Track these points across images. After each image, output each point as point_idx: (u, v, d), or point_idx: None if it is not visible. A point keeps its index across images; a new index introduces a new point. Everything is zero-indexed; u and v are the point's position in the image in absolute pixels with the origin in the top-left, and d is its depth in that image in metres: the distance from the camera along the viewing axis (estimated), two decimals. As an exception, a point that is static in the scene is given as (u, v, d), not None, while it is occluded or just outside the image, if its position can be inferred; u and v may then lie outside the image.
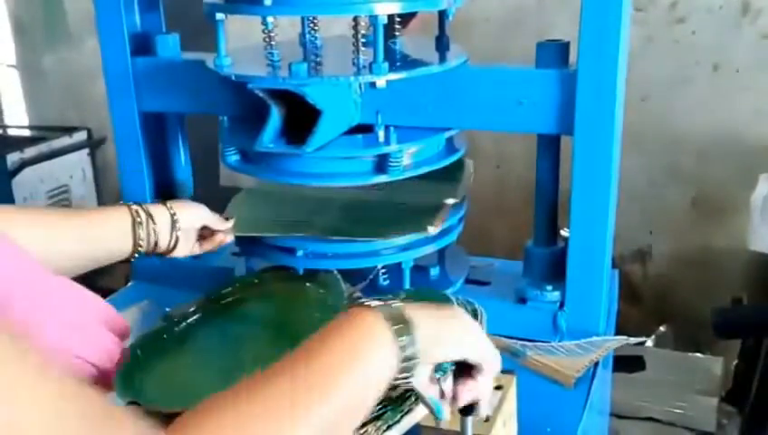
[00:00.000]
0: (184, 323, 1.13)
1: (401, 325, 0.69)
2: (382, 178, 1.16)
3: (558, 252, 1.23)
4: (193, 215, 1.22)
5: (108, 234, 1.11)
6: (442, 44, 1.25)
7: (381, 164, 1.16)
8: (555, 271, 1.22)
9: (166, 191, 1.48)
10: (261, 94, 1.09)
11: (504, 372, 0.90)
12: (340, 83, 1.11)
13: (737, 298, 2.21)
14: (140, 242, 1.12)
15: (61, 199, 3.16)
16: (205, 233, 1.25)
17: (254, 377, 0.64)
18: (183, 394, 0.93)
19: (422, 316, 0.71)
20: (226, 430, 0.59)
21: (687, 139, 2.45)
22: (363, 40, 1.13)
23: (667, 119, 2.45)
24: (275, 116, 1.11)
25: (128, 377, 0.97)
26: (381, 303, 0.71)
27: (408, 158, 1.18)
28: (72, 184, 3.22)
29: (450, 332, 0.75)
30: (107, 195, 3.30)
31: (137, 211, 1.13)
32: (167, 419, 0.90)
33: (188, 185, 1.50)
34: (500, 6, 2.56)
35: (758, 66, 2.32)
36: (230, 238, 1.27)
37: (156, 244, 1.15)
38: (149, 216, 1.13)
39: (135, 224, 1.11)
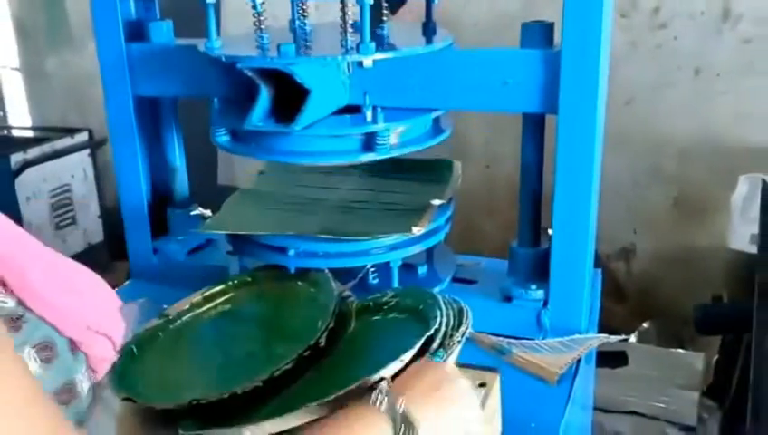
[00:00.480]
0: (179, 321, 1.12)
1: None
2: (370, 157, 1.15)
3: (542, 252, 1.23)
4: None
5: None
6: (429, 29, 1.24)
7: (369, 142, 1.15)
8: (539, 271, 1.22)
9: (162, 191, 1.48)
10: (250, 74, 1.08)
11: (487, 369, 0.90)
12: (328, 63, 1.11)
13: (717, 295, 2.22)
14: None
15: (63, 198, 3.15)
16: None
17: None
18: (177, 391, 0.93)
19: (423, 417, 0.72)
20: None
21: (670, 141, 2.45)
22: (351, 25, 1.12)
23: (650, 121, 2.45)
24: (264, 96, 1.10)
25: (123, 374, 0.96)
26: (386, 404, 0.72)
27: (396, 137, 1.17)
28: (73, 183, 3.21)
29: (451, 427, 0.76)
30: (107, 194, 3.30)
31: None
32: (161, 414, 0.90)
33: (184, 179, 1.50)
34: (488, 12, 2.55)
35: (738, 71, 2.33)
36: None
37: None
38: None
39: None
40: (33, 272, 0.63)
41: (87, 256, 3.25)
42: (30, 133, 3.51)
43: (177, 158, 1.47)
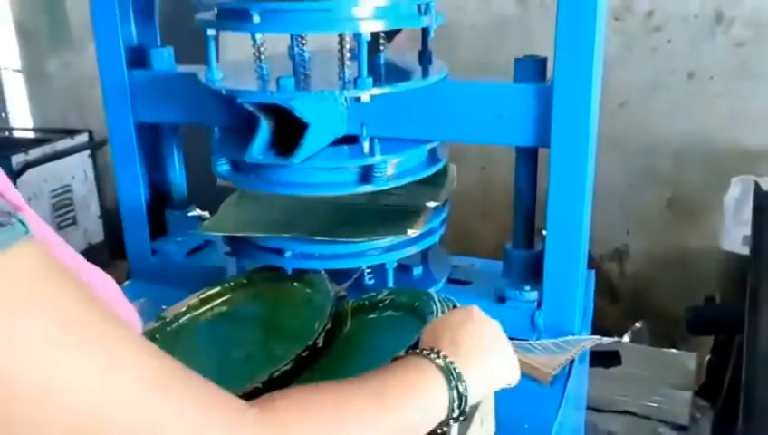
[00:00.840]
0: (176, 324, 1.12)
1: (452, 380, 0.73)
2: (367, 188, 1.16)
3: (535, 254, 1.23)
4: None
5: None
6: (425, 59, 1.25)
7: (366, 174, 1.16)
8: (533, 272, 1.22)
9: (161, 195, 1.48)
10: (250, 108, 1.09)
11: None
12: (327, 97, 1.11)
13: (710, 296, 2.22)
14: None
15: (63, 199, 3.15)
16: None
17: (339, 383, 0.68)
18: None
19: (469, 367, 0.75)
20: (311, 422, 0.61)
21: (664, 143, 2.45)
22: (349, 54, 1.14)
23: (644, 123, 2.45)
24: (265, 128, 1.11)
25: None
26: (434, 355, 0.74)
27: (392, 168, 1.18)
28: (74, 184, 3.21)
29: (494, 374, 0.80)
30: (107, 195, 3.30)
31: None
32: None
33: (183, 188, 1.50)
34: (485, 15, 2.55)
35: (731, 74, 2.33)
36: None
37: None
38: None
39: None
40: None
41: (87, 256, 3.23)
42: (31, 134, 3.51)
43: (176, 160, 1.47)
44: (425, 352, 0.75)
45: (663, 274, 2.53)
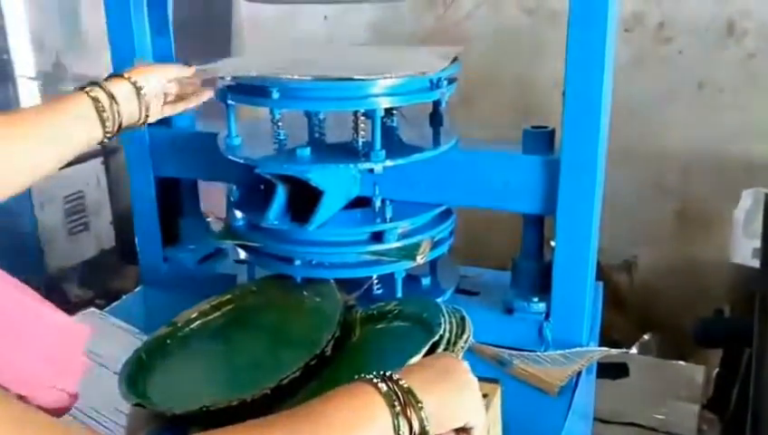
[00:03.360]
0: (187, 329, 1.13)
1: (399, 408, 0.67)
2: (378, 247, 1.19)
3: (544, 266, 1.24)
4: (155, 76, 1.10)
5: (72, 129, 0.99)
6: (435, 124, 1.28)
7: (377, 235, 1.20)
8: (541, 284, 1.22)
9: (174, 202, 1.49)
10: (268, 177, 1.13)
11: (488, 380, 0.90)
12: (341, 169, 1.14)
13: (719, 309, 2.21)
14: (107, 126, 1.01)
15: (76, 205, 3.18)
16: (178, 91, 1.16)
17: (257, 424, 0.64)
18: (187, 398, 0.94)
19: (425, 392, 0.70)
20: None
21: (673, 154, 2.45)
22: (363, 117, 1.17)
23: (653, 135, 2.45)
24: (281, 195, 1.15)
25: (133, 380, 0.97)
26: (384, 380, 0.69)
27: (403, 229, 1.22)
28: (87, 190, 3.24)
29: (451, 404, 0.73)
30: (120, 200, 3.32)
31: (95, 96, 1.00)
32: (171, 420, 0.90)
33: (195, 188, 1.51)
34: (495, 25, 2.56)
35: (741, 85, 2.32)
36: (208, 94, 1.19)
37: (121, 123, 1.04)
38: (111, 96, 1.02)
39: (98, 110, 1.00)
40: None
41: (99, 261, 3.28)
42: (45, 141, 3.54)
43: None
44: (374, 379, 0.69)
45: (672, 286, 2.52)
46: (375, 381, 0.69)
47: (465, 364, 0.79)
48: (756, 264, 1.95)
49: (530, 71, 2.47)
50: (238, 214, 1.25)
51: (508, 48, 2.52)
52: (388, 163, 1.12)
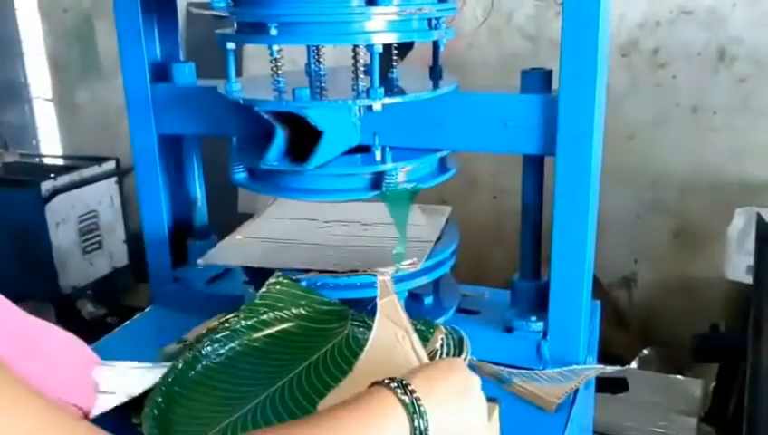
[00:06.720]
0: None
1: (415, 418, 0.70)
2: (378, 193, 1.17)
3: (541, 285, 1.24)
4: None
5: None
6: (435, 73, 1.27)
7: (377, 181, 1.18)
8: (539, 303, 1.23)
9: (183, 224, 1.50)
10: (266, 116, 1.11)
11: (488, 399, 0.91)
12: (339, 106, 1.13)
13: (714, 324, 2.21)
14: None
15: (90, 224, 3.20)
16: None
17: (290, 425, 0.67)
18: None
19: (434, 404, 0.72)
20: None
21: (670, 175, 2.47)
22: (363, 69, 1.16)
23: (650, 156, 2.47)
24: (280, 136, 1.12)
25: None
26: (399, 386, 0.72)
27: (403, 175, 1.19)
28: (100, 210, 3.26)
29: (459, 419, 0.76)
30: (133, 220, 3.34)
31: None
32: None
33: (204, 218, 1.52)
34: (497, 52, 2.59)
35: (733, 108, 2.35)
36: None
37: None
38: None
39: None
40: None
41: (112, 279, 3.30)
42: (60, 161, 3.57)
43: (198, 189, 1.50)
44: (393, 384, 0.72)
45: (669, 302, 2.53)
46: (397, 390, 0.72)
47: (477, 379, 0.81)
48: (750, 280, 1.96)
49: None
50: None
51: (511, 74, 2.54)
52: (387, 100, 1.08)
